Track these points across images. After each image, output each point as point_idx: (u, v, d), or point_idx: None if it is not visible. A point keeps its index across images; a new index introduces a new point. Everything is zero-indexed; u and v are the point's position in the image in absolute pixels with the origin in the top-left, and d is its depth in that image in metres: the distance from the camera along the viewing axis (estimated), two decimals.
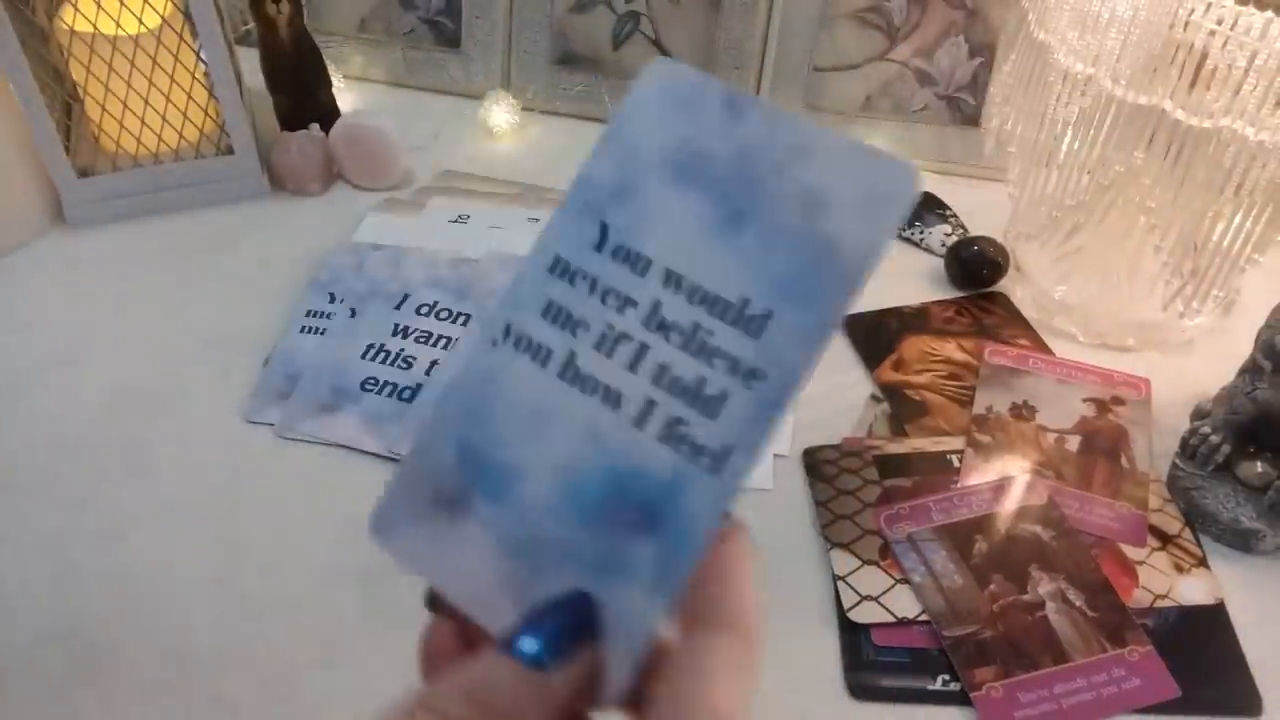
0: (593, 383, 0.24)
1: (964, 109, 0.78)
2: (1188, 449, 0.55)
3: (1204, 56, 0.52)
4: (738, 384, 0.23)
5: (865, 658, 0.48)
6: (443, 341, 0.62)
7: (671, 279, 0.24)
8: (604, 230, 0.25)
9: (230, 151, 0.73)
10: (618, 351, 0.24)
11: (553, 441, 0.24)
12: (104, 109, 0.70)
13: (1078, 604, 0.49)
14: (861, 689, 0.47)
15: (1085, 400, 0.60)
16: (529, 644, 0.21)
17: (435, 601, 0.24)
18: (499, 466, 0.24)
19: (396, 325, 0.63)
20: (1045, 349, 0.64)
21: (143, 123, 0.71)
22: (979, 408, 0.59)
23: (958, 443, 0.57)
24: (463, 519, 0.24)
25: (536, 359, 0.24)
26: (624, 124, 0.25)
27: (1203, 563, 0.52)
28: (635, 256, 0.24)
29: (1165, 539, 0.53)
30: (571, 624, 0.22)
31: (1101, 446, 0.57)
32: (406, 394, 0.59)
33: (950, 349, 0.64)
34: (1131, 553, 0.52)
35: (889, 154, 0.23)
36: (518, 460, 0.24)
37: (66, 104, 0.71)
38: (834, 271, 0.23)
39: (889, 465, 0.56)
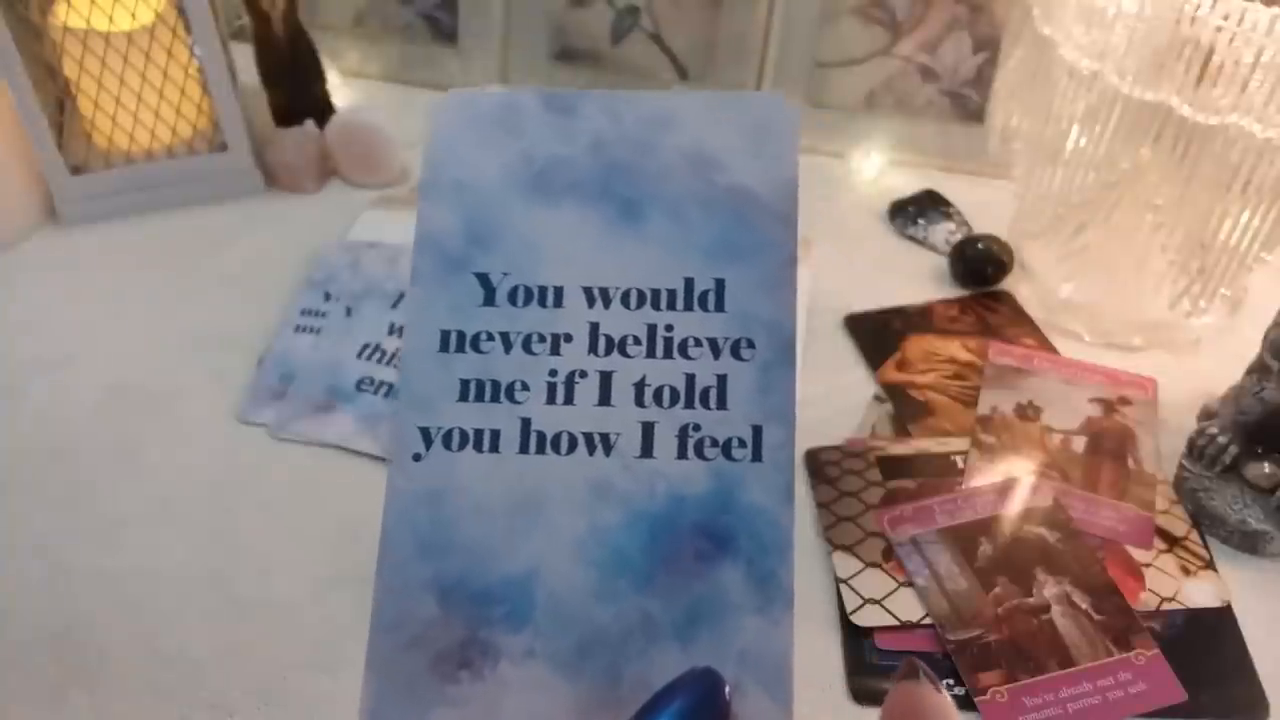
0: (566, 438, 0.20)
1: (968, 105, 0.78)
2: (1195, 450, 0.54)
3: (1210, 52, 0.52)
4: (729, 362, 0.21)
5: (868, 661, 0.47)
6: None
7: (596, 295, 0.21)
8: (486, 281, 0.22)
9: (224, 148, 0.72)
10: (578, 392, 0.21)
11: (553, 523, 0.20)
12: (97, 106, 0.69)
13: (1084, 607, 0.48)
14: (864, 693, 0.46)
15: (1091, 400, 0.59)
16: None
17: None
18: (503, 586, 0.20)
19: (393, 324, 0.62)
20: (1050, 348, 0.64)
21: (136, 119, 0.70)
22: (983, 408, 0.59)
23: (962, 444, 0.57)
24: (490, 668, 0.20)
25: (482, 448, 0.21)
26: (442, 167, 0.22)
27: (1210, 565, 0.51)
28: (540, 291, 0.21)
29: (1172, 541, 0.52)
30: (697, 699, 0.18)
31: (1108, 447, 0.56)
32: None
33: (954, 348, 0.63)
34: (1138, 555, 0.51)
35: (750, 92, 0.21)
36: (522, 565, 0.20)
37: (59, 101, 0.70)
38: (762, 215, 0.21)
39: (892, 466, 0.55)
